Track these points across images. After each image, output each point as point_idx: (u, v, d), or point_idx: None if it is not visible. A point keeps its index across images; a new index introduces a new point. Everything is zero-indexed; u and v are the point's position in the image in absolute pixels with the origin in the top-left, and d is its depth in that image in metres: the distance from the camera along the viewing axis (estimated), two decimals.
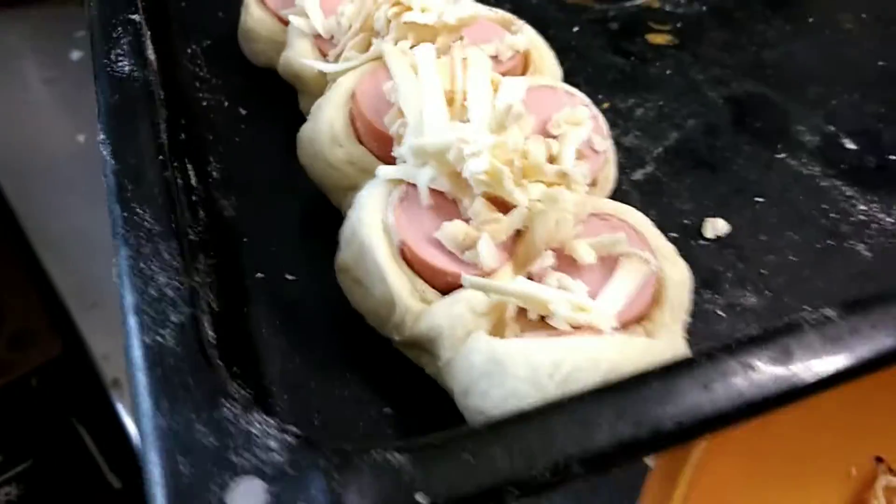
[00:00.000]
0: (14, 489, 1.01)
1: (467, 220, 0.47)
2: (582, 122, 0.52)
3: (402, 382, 0.48)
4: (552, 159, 0.50)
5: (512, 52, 0.58)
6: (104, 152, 0.43)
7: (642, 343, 0.43)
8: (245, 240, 0.55)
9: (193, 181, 0.51)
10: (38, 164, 1.11)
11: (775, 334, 0.38)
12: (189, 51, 0.67)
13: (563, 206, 0.46)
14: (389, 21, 0.56)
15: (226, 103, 0.64)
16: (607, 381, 0.41)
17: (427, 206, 0.47)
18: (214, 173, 0.57)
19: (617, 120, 0.68)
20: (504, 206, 0.47)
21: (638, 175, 0.63)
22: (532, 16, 0.79)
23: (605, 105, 0.70)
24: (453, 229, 0.46)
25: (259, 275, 0.53)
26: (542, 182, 0.47)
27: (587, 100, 0.56)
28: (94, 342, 0.95)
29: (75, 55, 1.23)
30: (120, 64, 0.47)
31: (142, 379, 0.34)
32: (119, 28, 0.50)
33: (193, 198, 0.49)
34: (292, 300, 0.52)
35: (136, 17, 0.51)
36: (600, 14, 0.80)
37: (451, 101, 0.50)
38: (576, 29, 0.78)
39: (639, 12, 0.81)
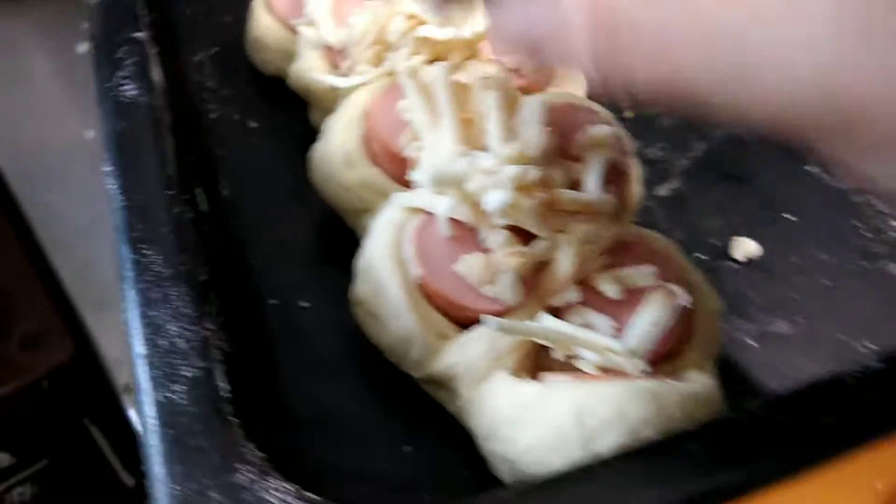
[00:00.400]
0: (28, 489, 1.01)
1: (487, 251, 0.45)
2: (605, 143, 0.50)
3: (422, 419, 0.47)
4: (575, 184, 0.48)
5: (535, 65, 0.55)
6: (111, 186, 0.41)
7: (673, 389, 0.41)
8: (256, 264, 0.53)
9: (203, 206, 0.49)
10: (45, 161, 1.09)
11: (818, 389, 0.36)
12: (196, 59, 0.64)
13: (588, 237, 0.44)
14: (403, 34, 0.54)
15: (235, 116, 0.62)
16: (635, 432, 0.39)
17: (446, 237, 0.45)
18: (224, 192, 0.55)
19: (642, 130, 0.65)
20: (526, 235, 0.45)
21: (663, 190, 0.61)
22: None
23: (630, 114, 0.67)
24: (474, 263, 0.43)
25: (272, 301, 0.51)
26: (565, 211, 0.45)
27: (610, 116, 0.53)
28: (106, 345, 0.93)
29: (82, 48, 1.20)
30: (124, 88, 0.45)
31: (154, 441, 0.32)
32: (123, 48, 0.48)
33: (204, 226, 0.47)
34: (307, 330, 0.50)
35: (140, 34, 0.49)
36: None
37: (467, 124, 0.48)
38: None
39: None
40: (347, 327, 0.49)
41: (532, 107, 0.47)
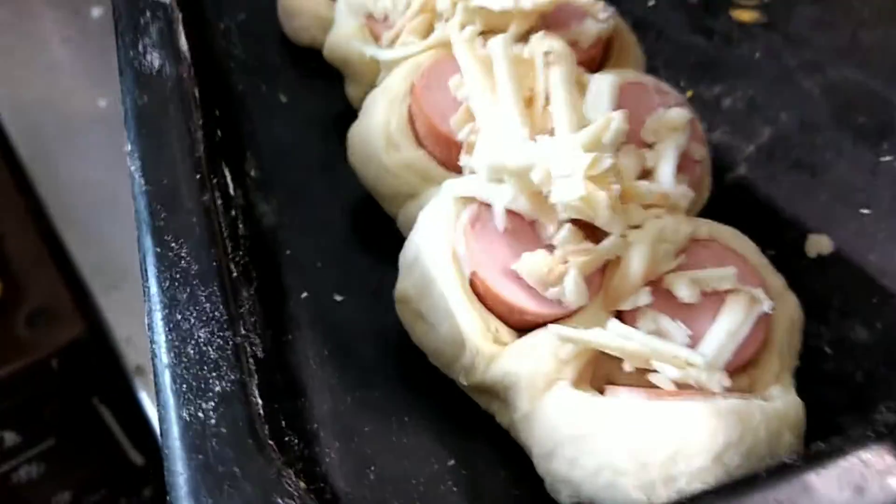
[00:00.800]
0: (35, 468, 0.98)
1: (548, 247, 0.40)
2: (679, 128, 0.45)
3: (469, 430, 0.42)
4: (647, 173, 0.43)
5: (594, 39, 0.50)
6: (132, 167, 0.37)
7: (758, 409, 0.36)
8: (288, 252, 0.48)
9: (230, 188, 0.44)
10: (57, 132, 1.05)
11: None
12: (223, 26, 0.59)
13: (664, 235, 0.39)
14: (454, 3, 0.49)
15: (263, 88, 0.57)
16: (720, 457, 0.35)
17: (503, 231, 0.40)
18: (252, 172, 0.50)
19: (703, 112, 0.59)
20: (591, 230, 0.41)
21: (729, 178, 0.56)
22: None
23: (689, 93, 0.62)
24: (536, 263, 0.39)
25: (304, 295, 0.47)
26: (638, 204, 0.40)
27: (682, 97, 0.48)
28: (117, 324, 0.90)
29: (96, 12, 1.15)
30: (149, 58, 0.41)
31: (181, 469, 0.28)
32: (147, 13, 0.43)
33: (233, 212, 0.42)
34: (342, 327, 0.46)
35: (170, 8, 0.44)
36: None
37: (529, 103, 0.43)
38: (652, 2, 0.69)
39: None
40: (386, 325, 0.45)
41: (603, 86, 0.42)
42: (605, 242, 0.39)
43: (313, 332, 0.45)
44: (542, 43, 0.44)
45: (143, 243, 0.35)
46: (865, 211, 0.54)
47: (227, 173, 0.45)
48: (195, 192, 0.35)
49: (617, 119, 0.38)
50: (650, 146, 0.44)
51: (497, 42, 0.43)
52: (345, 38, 0.53)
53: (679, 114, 0.45)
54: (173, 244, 0.33)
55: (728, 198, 0.54)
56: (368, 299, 0.47)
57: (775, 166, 0.57)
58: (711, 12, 0.68)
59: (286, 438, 0.35)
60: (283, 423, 0.36)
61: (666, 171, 0.42)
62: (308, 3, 0.58)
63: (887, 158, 0.58)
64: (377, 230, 0.50)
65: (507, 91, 0.41)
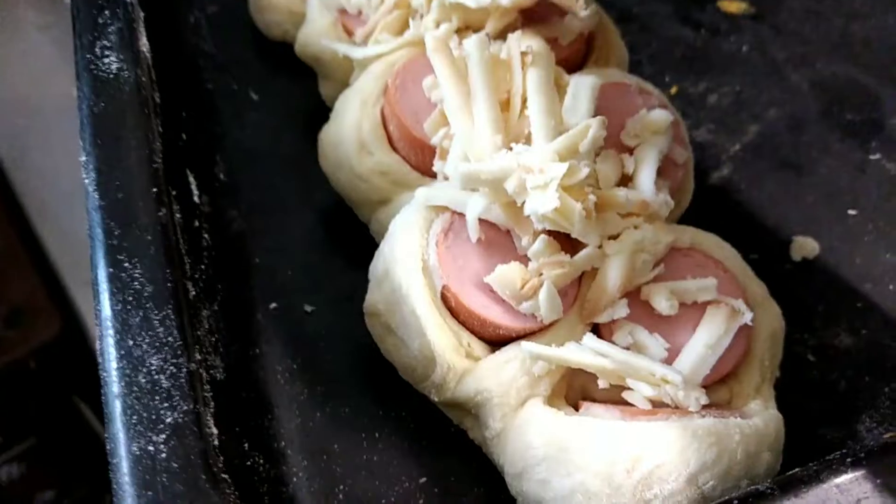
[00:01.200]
0: (17, 468, 0.98)
1: (523, 258, 0.39)
2: (661, 130, 0.43)
3: (441, 446, 0.41)
4: (627, 178, 0.42)
5: (575, 36, 0.48)
6: (86, 180, 0.35)
7: (735, 428, 0.35)
8: (257, 260, 0.47)
9: (195, 196, 0.43)
10: (33, 123, 1.03)
11: None
12: (192, 19, 0.57)
13: (642, 246, 0.38)
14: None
15: (234, 86, 0.55)
16: (695, 479, 0.34)
17: (476, 242, 0.39)
18: (221, 175, 0.49)
19: (687, 109, 0.58)
20: (567, 240, 0.39)
21: (714, 178, 0.54)
22: None
23: (674, 90, 0.60)
24: (510, 275, 0.37)
25: (273, 305, 0.45)
26: (617, 212, 0.39)
27: (664, 98, 0.47)
28: (93, 321, 0.89)
29: None
30: (107, 61, 0.39)
31: None
32: (106, 12, 0.41)
33: (196, 223, 0.40)
34: (312, 339, 0.44)
35: (131, 8, 0.42)
36: None
37: (506, 106, 0.42)
38: None
39: None
40: (357, 335, 0.43)
41: (582, 89, 0.41)
42: (581, 254, 0.38)
43: (282, 345, 0.44)
44: (519, 43, 0.42)
45: (95, 262, 0.33)
46: (852, 212, 0.53)
47: (192, 180, 0.43)
48: (151, 208, 0.34)
49: (594, 126, 0.37)
50: (631, 150, 0.43)
51: (472, 43, 0.41)
52: (317, 34, 0.51)
53: (661, 116, 0.43)
54: (126, 264, 0.32)
55: (712, 199, 0.53)
56: (340, 309, 0.46)
57: (761, 166, 0.55)
58: (699, 3, 0.67)
59: (249, 462, 0.34)
60: (247, 444, 0.35)
61: (646, 177, 0.40)
62: None
63: (876, 157, 0.57)
64: (350, 235, 0.48)
65: (482, 96, 0.40)
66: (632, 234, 0.38)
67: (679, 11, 0.66)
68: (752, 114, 0.59)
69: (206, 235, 0.42)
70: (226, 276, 0.42)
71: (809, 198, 0.54)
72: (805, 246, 0.51)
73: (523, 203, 0.37)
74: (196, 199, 0.43)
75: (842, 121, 0.59)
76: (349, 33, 0.51)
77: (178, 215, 0.36)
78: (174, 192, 0.37)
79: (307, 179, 0.50)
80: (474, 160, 0.38)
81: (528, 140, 0.40)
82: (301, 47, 0.52)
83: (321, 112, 0.50)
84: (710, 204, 0.52)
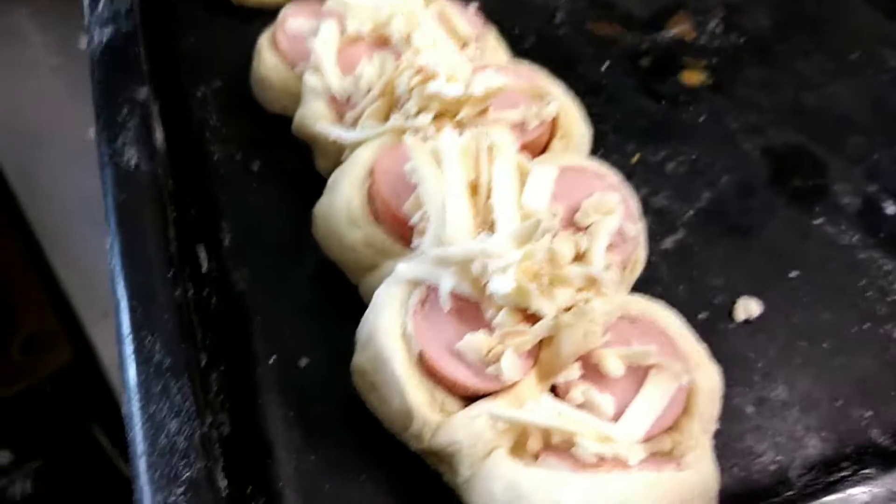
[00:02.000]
0: (29, 484, 1.01)
1: (489, 326, 0.45)
2: (613, 210, 0.49)
3: (420, 488, 0.47)
4: (580, 256, 0.48)
5: (539, 121, 0.55)
6: (113, 263, 0.41)
7: (671, 479, 0.41)
8: (259, 318, 0.52)
9: (204, 266, 0.48)
10: (48, 162, 1.08)
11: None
12: (199, 94, 0.63)
13: (592, 317, 0.44)
14: (411, 89, 0.53)
15: (237, 156, 0.61)
16: None
17: (448, 312, 0.45)
18: (226, 241, 0.55)
19: (648, 176, 0.65)
20: (527, 311, 0.45)
21: (668, 243, 0.60)
22: (560, 48, 0.76)
23: (635, 158, 0.66)
24: (476, 343, 0.43)
25: (273, 359, 0.51)
26: (570, 287, 0.45)
27: (617, 178, 0.53)
28: (106, 353, 0.94)
29: (84, 43, 1.18)
30: (126, 156, 0.45)
31: None
32: (124, 109, 0.47)
33: (205, 291, 0.46)
34: (307, 389, 0.50)
35: (142, 91, 0.48)
36: (632, 48, 0.76)
37: (474, 191, 0.48)
38: (606, 65, 0.74)
39: (672, 46, 0.77)
40: (346, 388, 0.49)
41: (541, 177, 0.47)
42: (539, 325, 0.44)
43: (281, 395, 0.49)
44: (485, 137, 0.48)
45: (121, 337, 0.39)
46: (794, 273, 0.59)
47: (201, 252, 0.49)
48: (168, 290, 0.40)
49: (545, 219, 0.43)
50: (585, 228, 0.49)
51: (447, 137, 0.47)
52: (311, 118, 0.57)
53: (612, 198, 0.49)
54: (148, 339, 0.38)
55: (665, 261, 0.59)
56: (331, 362, 0.51)
57: (712, 230, 0.61)
58: (661, 75, 0.73)
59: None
60: (251, 488, 0.40)
61: (598, 254, 0.46)
62: (278, 78, 0.62)
63: (819, 221, 0.63)
64: (342, 295, 0.54)
65: (453, 185, 0.46)
66: (583, 307, 0.44)
67: (643, 83, 0.72)
68: (707, 181, 0.65)
69: (213, 300, 0.48)
70: (230, 335, 0.48)
71: (756, 259, 0.60)
72: (749, 306, 0.57)
73: (487, 283, 0.43)
74: (205, 269, 0.49)
75: (789, 188, 0.65)
76: (340, 115, 0.57)
77: (190, 291, 0.42)
78: (188, 271, 0.43)
79: (303, 241, 0.55)
80: (446, 242, 0.44)
81: (492, 227, 0.46)
82: (297, 128, 0.59)
83: (316, 182, 0.57)
84: (663, 266, 0.59)
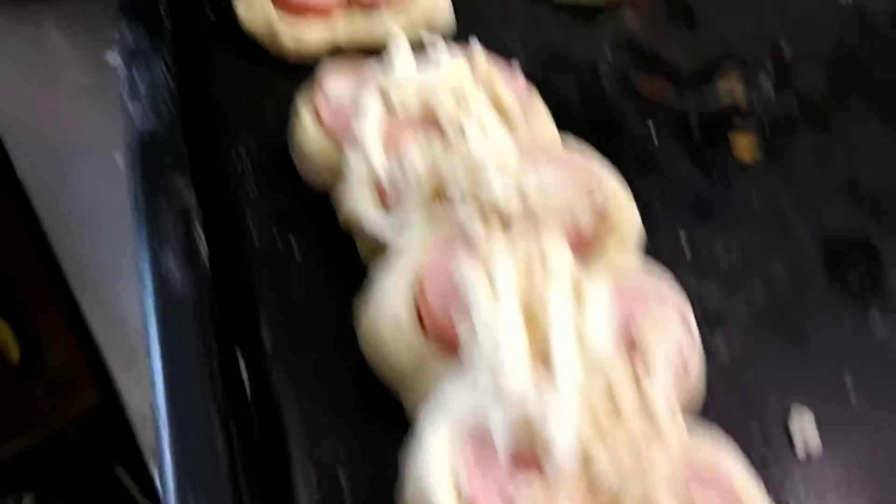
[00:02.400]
0: None
1: (543, 470, 0.43)
2: (673, 339, 0.47)
3: None
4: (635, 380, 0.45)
5: (591, 215, 0.52)
6: (156, 395, 0.39)
7: None
8: (295, 425, 0.50)
9: (245, 379, 0.46)
10: (74, 190, 1.04)
11: None
12: (239, 166, 0.60)
13: (655, 477, 0.42)
14: (461, 188, 0.50)
15: (275, 233, 0.59)
16: None
17: (504, 462, 0.43)
18: (265, 339, 0.52)
19: (695, 261, 0.62)
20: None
21: (718, 340, 0.57)
22: (605, 109, 0.73)
23: (682, 235, 0.64)
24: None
25: (309, 471, 0.49)
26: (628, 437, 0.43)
27: (677, 298, 0.50)
28: (131, 398, 0.91)
29: (112, 58, 1.14)
30: (171, 280, 0.42)
31: None
32: (166, 213, 0.45)
33: (243, 410, 0.44)
34: None
35: (184, 194, 0.45)
36: (679, 109, 0.72)
37: (527, 310, 0.45)
38: (650, 124, 0.71)
39: (721, 105, 0.74)
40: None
41: (601, 304, 0.45)
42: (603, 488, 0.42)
43: None
44: (539, 253, 0.46)
45: (165, 484, 0.37)
46: (852, 389, 0.56)
47: (241, 361, 0.47)
48: (214, 446, 0.38)
49: (613, 367, 0.41)
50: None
51: (499, 261, 0.45)
52: (353, 202, 0.54)
53: (676, 329, 0.47)
54: (193, 499, 0.36)
55: (714, 370, 0.55)
56: (371, 475, 0.49)
57: (766, 334, 0.58)
58: (709, 141, 0.70)
59: None
60: None
61: (658, 396, 0.44)
62: (320, 154, 0.59)
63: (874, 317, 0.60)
64: (383, 401, 0.52)
65: (509, 316, 0.43)
66: (644, 465, 0.42)
67: (692, 151, 0.69)
68: (758, 270, 0.62)
69: (253, 415, 0.46)
70: (268, 448, 0.46)
71: (812, 371, 0.56)
72: (808, 439, 0.53)
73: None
74: (245, 380, 0.47)
75: (841, 277, 0.62)
76: (384, 199, 0.55)
77: (234, 430, 0.40)
78: (231, 400, 0.41)
79: (344, 341, 0.53)
80: (498, 374, 0.42)
81: (545, 359, 0.43)
82: (340, 214, 0.56)
83: (357, 265, 0.54)
84: (715, 376, 0.55)
